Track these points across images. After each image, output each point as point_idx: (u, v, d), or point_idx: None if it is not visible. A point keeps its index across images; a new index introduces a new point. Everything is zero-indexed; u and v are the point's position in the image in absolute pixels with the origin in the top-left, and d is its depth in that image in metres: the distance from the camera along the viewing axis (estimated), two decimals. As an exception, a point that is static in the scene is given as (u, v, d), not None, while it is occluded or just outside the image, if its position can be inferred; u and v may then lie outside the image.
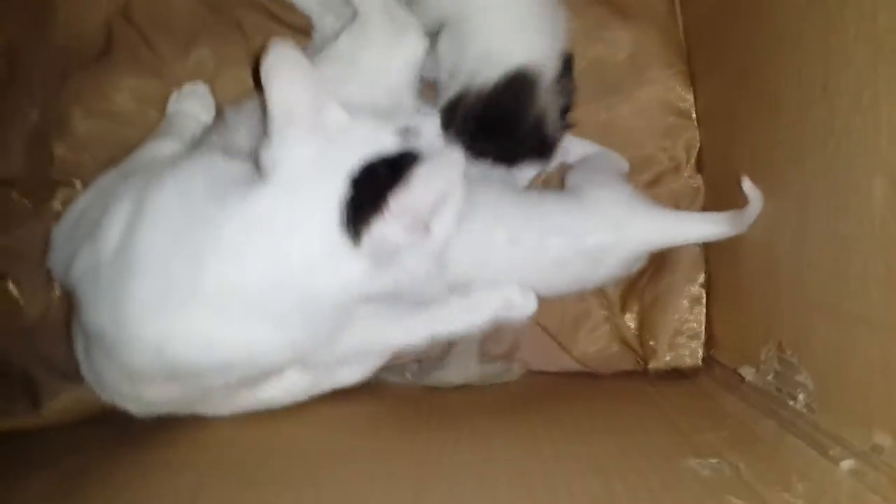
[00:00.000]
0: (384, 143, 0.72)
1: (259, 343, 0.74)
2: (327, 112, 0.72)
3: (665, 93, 1.12)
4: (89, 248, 0.80)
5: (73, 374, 1.02)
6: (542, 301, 1.08)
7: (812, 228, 0.78)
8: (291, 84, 0.70)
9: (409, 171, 0.67)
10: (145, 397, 0.84)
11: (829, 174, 0.74)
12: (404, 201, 0.67)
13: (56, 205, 1.11)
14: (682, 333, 1.08)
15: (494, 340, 1.10)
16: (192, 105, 1.10)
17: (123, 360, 0.77)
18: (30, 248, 1.09)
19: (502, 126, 0.92)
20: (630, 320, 1.11)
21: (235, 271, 0.70)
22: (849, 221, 0.70)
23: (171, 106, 1.11)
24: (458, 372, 1.05)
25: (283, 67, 0.70)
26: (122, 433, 0.98)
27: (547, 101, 0.94)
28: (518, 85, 0.91)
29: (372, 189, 0.68)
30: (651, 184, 1.12)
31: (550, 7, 0.96)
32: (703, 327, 1.08)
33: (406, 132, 0.74)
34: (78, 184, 1.11)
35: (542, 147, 0.97)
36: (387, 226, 0.68)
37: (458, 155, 0.74)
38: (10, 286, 1.10)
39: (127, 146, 1.07)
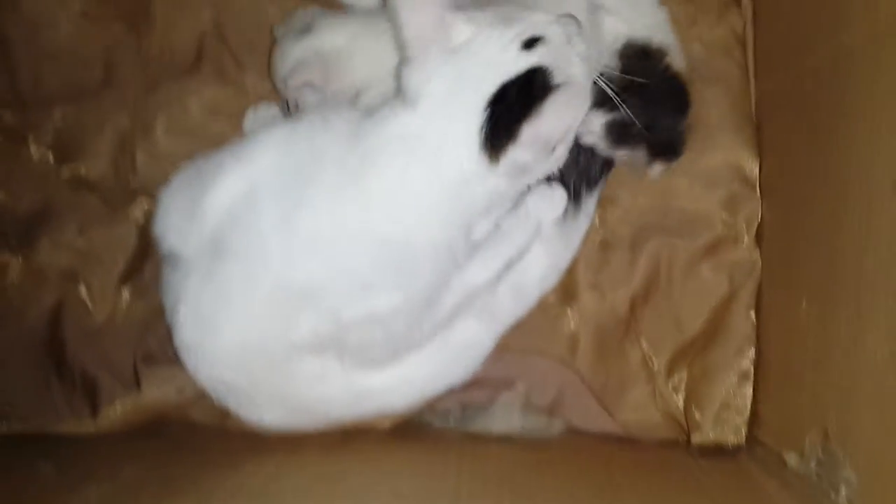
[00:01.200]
0: (515, 62, 0.78)
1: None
2: (455, 29, 0.79)
3: (731, 160, 1.12)
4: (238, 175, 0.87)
5: (132, 382, 1.10)
6: (590, 359, 1.12)
7: (871, 319, 0.78)
8: (420, 8, 0.78)
9: (540, 96, 0.76)
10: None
11: (892, 267, 0.75)
12: (536, 130, 0.76)
13: (136, 213, 1.16)
14: (729, 408, 1.08)
15: (539, 391, 1.11)
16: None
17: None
18: (102, 252, 1.15)
19: None
20: (676, 390, 1.11)
21: (398, 186, 0.80)
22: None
23: (247, 125, 1.15)
24: (501, 421, 1.07)
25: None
26: (178, 448, 1.03)
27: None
28: None
29: (507, 113, 0.77)
30: (707, 251, 1.12)
31: None
32: (749, 403, 1.08)
33: (533, 42, 0.80)
34: (160, 195, 1.16)
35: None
36: (519, 151, 0.77)
37: (587, 82, 0.82)
38: (81, 288, 1.15)
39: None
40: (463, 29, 0.79)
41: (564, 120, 0.77)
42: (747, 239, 1.11)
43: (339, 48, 1.04)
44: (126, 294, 1.15)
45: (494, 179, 0.80)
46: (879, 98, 0.80)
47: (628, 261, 1.13)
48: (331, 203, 0.82)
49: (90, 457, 1.00)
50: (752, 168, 1.13)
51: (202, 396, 1.07)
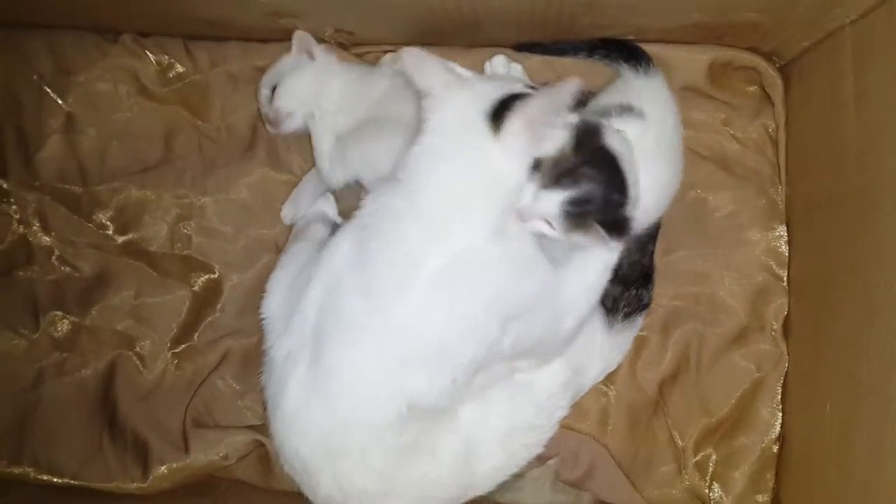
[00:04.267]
0: (511, 86, 0.92)
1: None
2: (461, 72, 0.96)
3: (760, 255, 1.17)
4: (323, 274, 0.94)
5: (180, 444, 1.15)
6: (620, 435, 1.17)
7: (889, 428, 0.84)
8: (429, 65, 0.92)
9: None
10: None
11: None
12: (530, 105, 0.86)
13: (188, 282, 1.22)
14: (752, 491, 1.13)
15: (570, 465, 1.16)
16: (321, 206, 1.20)
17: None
18: (155, 318, 1.22)
19: None
20: (701, 470, 1.15)
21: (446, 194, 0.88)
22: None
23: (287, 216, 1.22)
24: (531, 495, 1.10)
25: (415, 59, 0.92)
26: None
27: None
28: None
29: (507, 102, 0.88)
30: (736, 339, 1.17)
31: None
32: (772, 487, 1.13)
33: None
34: (217, 268, 1.22)
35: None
36: (516, 119, 0.86)
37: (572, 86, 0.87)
38: (134, 351, 1.21)
39: (258, 239, 1.22)
40: (468, 73, 0.98)
41: (553, 103, 0.86)
42: (775, 331, 1.16)
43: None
44: (176, 359, 1.21)
45: (504, 158, 0.87)
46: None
47: (659, 344, 1.18)
48: (402, 235, 0.88)
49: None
50: (782, 263, 1.17)
51: (246, 456, 1.15)
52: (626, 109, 1.01)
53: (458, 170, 0.89)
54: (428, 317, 0.87)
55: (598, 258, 0.99)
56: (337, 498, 0.93)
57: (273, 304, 1.02)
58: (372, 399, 0.89)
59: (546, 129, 0.87)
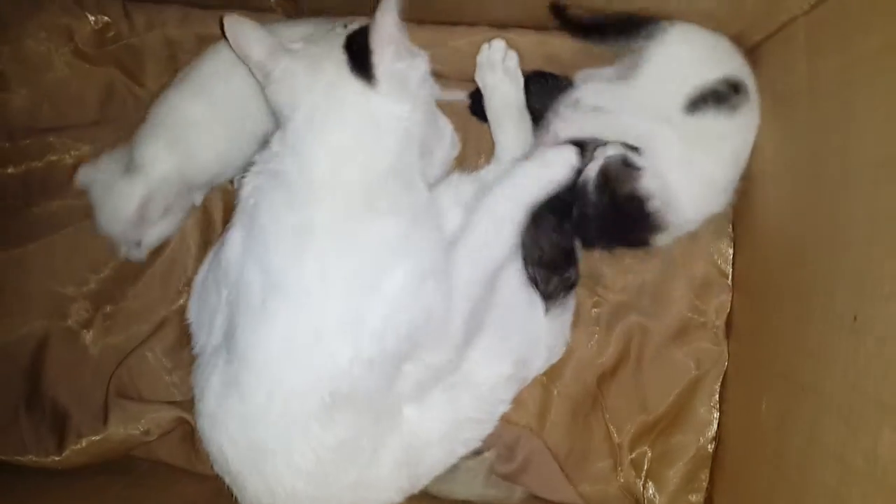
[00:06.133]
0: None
1: None
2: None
3: (707, 248, 1.14)
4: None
5: (100, 416, 1.10)
6: (558, 429, 1.15)
7: (824, 427, 0.82)
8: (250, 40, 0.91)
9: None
10: None
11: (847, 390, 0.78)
12: (380, 36, 0.87)
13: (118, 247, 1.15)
14: (685, 491, 1.11)
15: (506, 457, 1.13)
16: None
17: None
18: (86, 283, 1.18)
19: None
20: (636, 467, 1.13)
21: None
22: (855, 452, 0.74)
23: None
24: (463, 486, 1.08)
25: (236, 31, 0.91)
26: (140, 489, 1.04)
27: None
28: None
29: (357, 44, 0.90)
30: (677, 335, 1.15)
31: None
32: (705, 487, 1.11)
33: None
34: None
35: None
36: (381, 56, 0.88)
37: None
38: (63, 318, 1.16)
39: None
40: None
41: (393, 19, 0.87)
42: (717, 327, 1.13)
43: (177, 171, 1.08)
44: (104, 326, 1.17)
45: (385, 101, 0.88)
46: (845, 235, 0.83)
47: (603, 338, 1.16)
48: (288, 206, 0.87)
49: (51, 491, 1.04)
50: (727, 259, 1.15)
51: (169, 433, 1.11)
52: (733, 87, 1.00)
53: (345, 133, 0.88)
54: (326, 284, 0.83)
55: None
56: (265, 499, 0.89)
57: (196, 304, 1.01)
58: (287, 383, 0.84)
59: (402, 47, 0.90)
